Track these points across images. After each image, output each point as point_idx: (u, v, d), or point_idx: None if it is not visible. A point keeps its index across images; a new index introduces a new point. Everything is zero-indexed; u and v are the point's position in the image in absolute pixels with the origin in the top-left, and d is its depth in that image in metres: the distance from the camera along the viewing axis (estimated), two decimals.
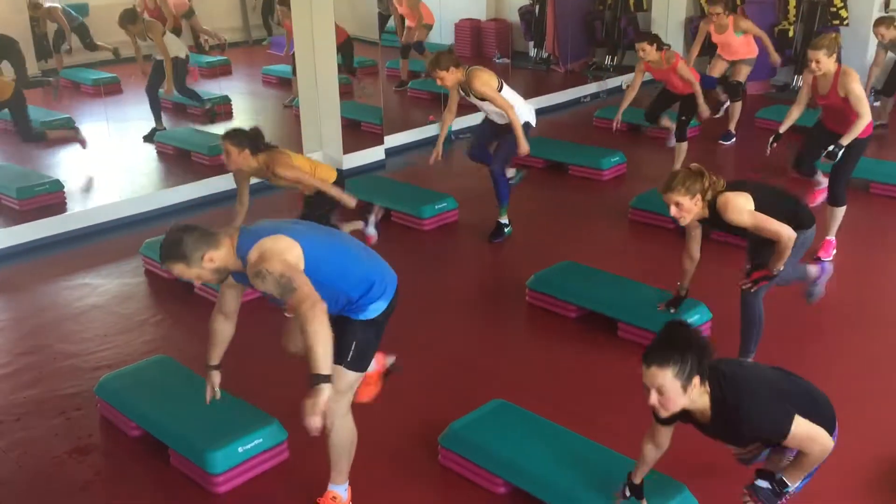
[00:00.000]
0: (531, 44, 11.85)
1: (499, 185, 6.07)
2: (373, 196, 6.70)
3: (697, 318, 4.59)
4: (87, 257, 6.12)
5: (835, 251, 5.61)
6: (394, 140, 8.23)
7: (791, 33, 9.82)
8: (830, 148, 5.16)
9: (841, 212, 5.51)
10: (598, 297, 4.88)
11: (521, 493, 3.44)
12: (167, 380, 4.13)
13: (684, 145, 6.95)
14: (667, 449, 3.03)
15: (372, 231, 5.71)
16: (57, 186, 6.94)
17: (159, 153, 8.29)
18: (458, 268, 5.99)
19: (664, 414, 2.71)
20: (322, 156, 7.72)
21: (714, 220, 4.04)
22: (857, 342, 4.72)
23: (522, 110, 5.85)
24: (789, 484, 2.71)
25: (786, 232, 3.94)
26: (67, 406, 4.25)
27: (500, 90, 5.70)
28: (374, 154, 7.97)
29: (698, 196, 3.93)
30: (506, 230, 6.19)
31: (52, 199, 6.83)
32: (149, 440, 3.85)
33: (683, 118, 6.92)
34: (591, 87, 10.41)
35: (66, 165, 7.83)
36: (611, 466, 3.37)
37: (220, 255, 2.99)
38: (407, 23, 10.14)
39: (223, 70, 10.15)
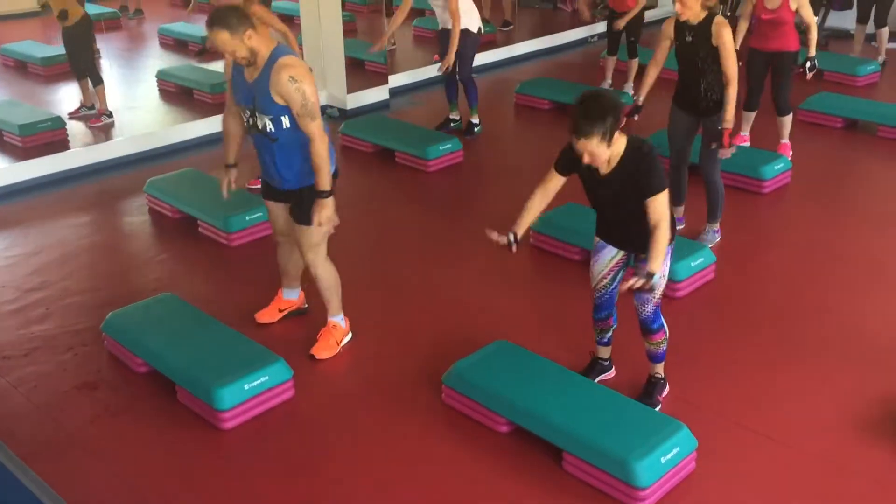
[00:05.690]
0: None
1: (468, 90, 6.73)
2: (377, 137, 6.67)
3: (702, 261, 4.60)
4: (91, 195, 6.12)
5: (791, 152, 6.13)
6: (398, 80, 8.13)
7: None
8: (808, 64, 5.72)
9: (789, 119, 6.01)
10: None
11: (523, 431, 3.49)
12: (173, 317, 4.16)
13: (635, 62, 7.55)
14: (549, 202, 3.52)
15: None
16: (59, 123, 6.90)
17: (161, 91, 8.22)
18: (462, 209, 5.97)
19: (600, 166, 3.23)
20: (326, 96, 7.66)
21: (700, 32, 4.52)
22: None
23: (466, 17, 6.40)
24: (654, 271, 3.16)
25: (735, 73, 4.53)
26: (75, 342, 4.30)
27: None
28: (379, 94, 7.88)
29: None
30: (476, 129, 6.87)
31: (54, 137, 6.80)
32: (156, 376, 3.90)
33: (632, 39, 7.51)
34: (599, 27, 10.24)
35: (67, 103, 7.77)
36: (611, 406, 3.41)
37: (257, 38, 3.47)
38: None
39: None
